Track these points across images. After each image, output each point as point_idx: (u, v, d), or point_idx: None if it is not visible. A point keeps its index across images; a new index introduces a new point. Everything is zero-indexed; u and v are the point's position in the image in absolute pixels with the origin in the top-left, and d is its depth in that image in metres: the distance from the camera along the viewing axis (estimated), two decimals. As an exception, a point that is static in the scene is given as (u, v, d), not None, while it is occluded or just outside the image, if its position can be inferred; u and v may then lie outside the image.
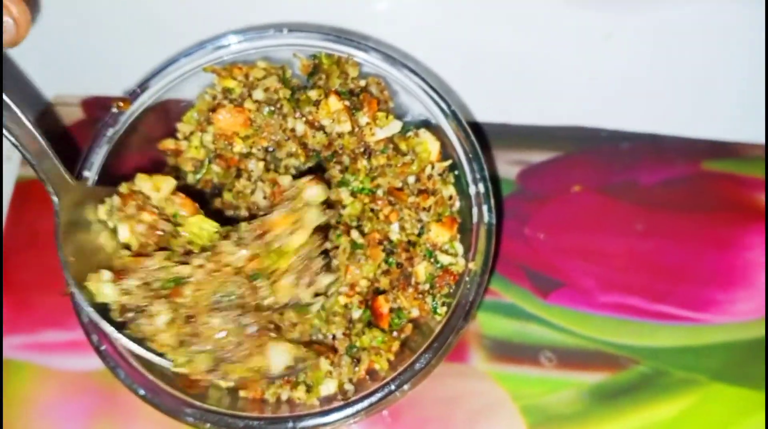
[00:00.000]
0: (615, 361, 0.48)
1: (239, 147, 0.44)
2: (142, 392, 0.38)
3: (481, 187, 0.43)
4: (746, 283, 0.51)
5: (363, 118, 0.44)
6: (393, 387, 0.39)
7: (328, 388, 0.41)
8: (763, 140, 0.54)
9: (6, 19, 0.40)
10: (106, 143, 0.43)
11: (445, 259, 0.44)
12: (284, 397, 0.41)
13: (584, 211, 0.52)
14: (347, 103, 0.44)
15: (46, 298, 0.50)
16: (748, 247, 0.52)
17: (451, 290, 0.43)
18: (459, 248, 0.44)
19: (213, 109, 0.44)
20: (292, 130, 0.44)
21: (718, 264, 0.51)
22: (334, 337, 0.42)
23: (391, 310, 0.43)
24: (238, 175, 0.45)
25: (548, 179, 0.53)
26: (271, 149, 0.45)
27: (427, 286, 0.44)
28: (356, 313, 0.43)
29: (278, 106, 0.44)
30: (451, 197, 0.45)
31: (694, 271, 0.51)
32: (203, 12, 0.53)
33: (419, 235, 0.44)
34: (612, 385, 0.48)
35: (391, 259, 0.44)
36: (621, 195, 0.53)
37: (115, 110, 0.44)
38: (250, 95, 0.44)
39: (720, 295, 0.50)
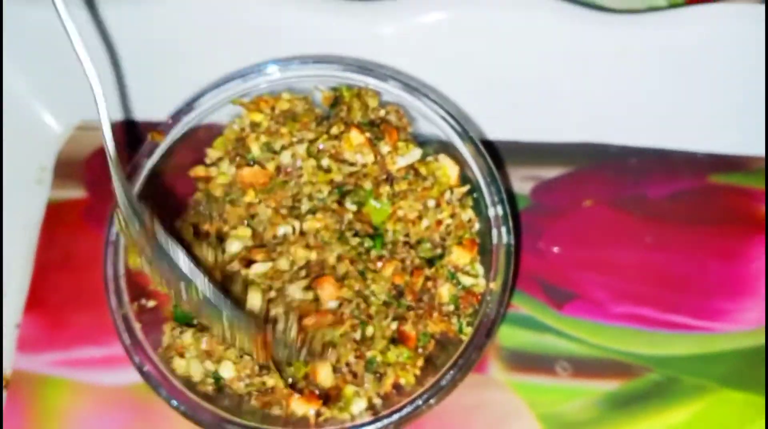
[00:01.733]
0: (628, 370, 0.50)
1: (249, 198, 0.46)
2: (183, 409, 0.40)
3: (500, 210, 0.45)
4: (753, 292, 0.52)
5: (384, 148, 0.46)
6: (421, 402, 0.41)
7: (359, 405, 0.43)
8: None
9: None
10: (143, 173, 0.45)
11: (467, 280, 0.45)
12: (312, 414, 0.43)
13: (596, 224, 0.54)
14: (369, 134, 0.46)
15: (80, 316, 0.51)
16: (754, 257, 0.53)
17: (476, 310, 0.45)
18: (480, 269, 0.46)
19: (237, 162, 0.46)
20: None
21: (726, 274, 0.53)
22: (347, 364, 0.44)
23: (418, 332, 0.45)
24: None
25: (560, 194, 0.55)
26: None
27: (451, 308, 0.45)
28: (369, 331, 0.44)
29: (299, 174, 0.46)
30: (470, 220, 0.47)
31: (703, 281, 0.53)
32: (225, 43, 0.55)
33: (441, 257, 0.46)
34: (625, 392, 0.50)
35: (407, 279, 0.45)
36: (630, 208, 0.55)
37: (149, 140, 0.45)
38: (276, 153, 0.46)
39: (728, 304, 0.52)
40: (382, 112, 0.47)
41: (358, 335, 0.44)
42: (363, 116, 0.47)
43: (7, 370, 0.50)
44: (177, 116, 0.46)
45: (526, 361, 0.50)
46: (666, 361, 0.50)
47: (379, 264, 0.45)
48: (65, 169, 0.56)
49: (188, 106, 0.46)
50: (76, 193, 0.55)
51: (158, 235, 0.39)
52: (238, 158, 0.47)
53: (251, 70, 0.47)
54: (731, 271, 0.53)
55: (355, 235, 0.45)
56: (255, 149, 0.46)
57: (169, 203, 0.48)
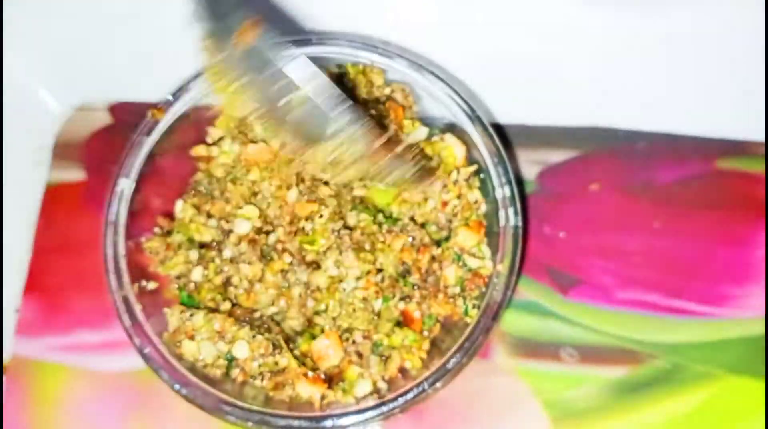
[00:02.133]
0: (634, 356, 0.50)
1: (254, 176, 0.46)
2: (184, 392, 0.40)
3: (507, 191, 0.44)
4: (761, 278, 0.52)
5: (390, 126, 0.45)
6: (426, 386, 0.40)
7: (363, 388, 0.42)
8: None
9: None
10: (143, 151, 0.44)
11: (473, 262, 0.45)
12: (317, 397, 0.43)
13: (602, 209, 0.54)
14: (373, 112, 0.45)
15: (79, 299, 0.51)
16: (762, 243, 0.53)
17: (482, 291, 0.44)
18: (486, 251, 0.46)
19: (243, 142, 0.46)
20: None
21: (734, 260, 0.52)
22: (354, 342, 0.44)
23: (422, 314, 0.44)
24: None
25: (567, 179, 0.54)
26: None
27: (457, 290, 0.45)
28: (377, 305, 0.44)
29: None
30: (476, 201, 0.47)
31: (710, 267, 0.52)
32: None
33: (447, 239, 0.46)
34: (631, 379, 0.49)
35: (415, 257, 0.45)
36: (638, 193, 0.54)
37: (149, 118, 0.45)
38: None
39: (736, 290, 0.52)
40: (387, 90, 0.47)
41: (378, 305, 0.43)
42: (368, 94, 0.46)
43: (6, 355, 0.50)
44: (177, 94, 0.45)
45: (532, 347, 0.50)
46: (672, 348, 0.50)
47: (389, 237, 0.44)
48: (64, 150, 0.55)
49: (189, 85, 0.45)
50: (75, 174, 0.55)
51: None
52: (240, 137, 0.46)
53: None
54: (738, 257, 0.52)
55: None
56: (258, 128, 0.46)
57: (169, 183, 0.47)
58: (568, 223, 0.53)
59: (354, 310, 0.43)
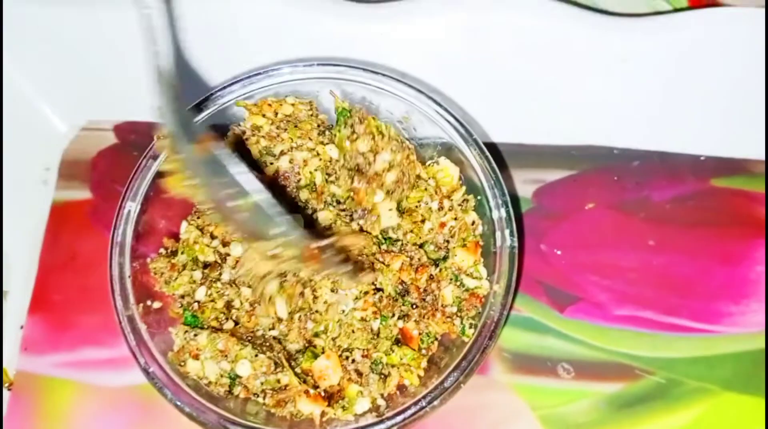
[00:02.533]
0: (630, 372, 0.50)
1: None
2: (188, 410, 0.41)
3: (503, 213, 0.45)
4: (756, 295, 0.53)
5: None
6: (424, 403, 0.41)
7: (362, 405, 0.43)
8: (768, 156, 0.56)
9: None
10: (148, 174, 0.45)
11: (470, 282, 0.46)
12: (318, 414, 0.43)
13: (598, 227, 0.55)
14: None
15: (85, 317, 0.52)
16: (757, 260, 0.54)
17: (479, 312, 0.45)
18: (483, 271, 0.47)
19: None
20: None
21: (728, 277, 0.53)
22: (353, 361, 0.44)
23: (420, 332, 0.45)
24: None
25: (563, 197, 0.55)
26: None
27: (455, 309, 0.46)
28: (375, 325, 0.45)
29: (297, 179, 0.47)
30: (474, 222, 0.48)
31: (705, 284, 0.53)
32: (231, 44, 0.55)
33: (444, 259, 0.46)
34: (627, 394, 0.50)
35: (413, 276, 0.46)
36: (633, 211, 0.55)
37: (156, 143, 0.46)
38: (275, 157, 0.47)
39: (731, 307, 0.52)
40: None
41: (376, 325, 0.44)
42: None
43: (11, 372, 0.50)
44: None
45: (529, 363, 0.51)
46: (668, 364, 0.51)
47: (387, 258, 0.45)
48: (70, 169, 0.56)
49: (195, 108, 0.46)
50: (81, 193, 0.56)
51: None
52: None
53: (258, 72, 0.48)
54: (733, 274, 0.53)
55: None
56: (254, 152, 0.47)
57: (174, 205, 0.48)
58: (564, 240, 0.54)
59: (353, 330, 0.44)
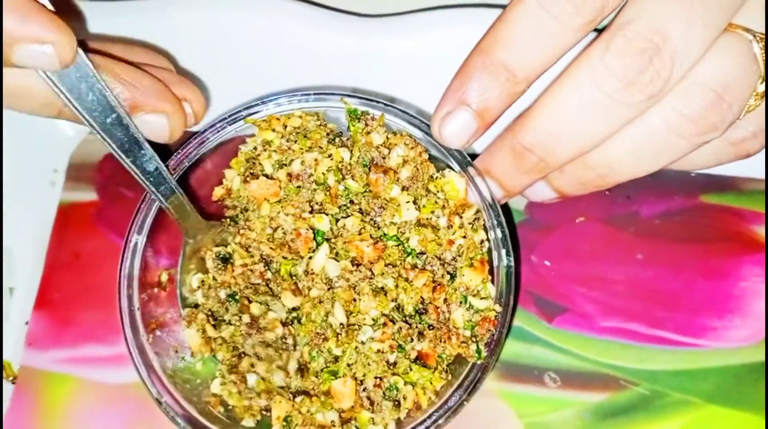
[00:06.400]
0: (615, 383, 0.51)
1: (266, 211, 0.47)
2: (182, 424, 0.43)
3: (499, 233, 0.46)
4: (741, 311, 0.54)
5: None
6: (429, 423, 0.43)
7: None
8: (759, 174, 0.57)
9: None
10: (153, 207, 0.47)
11: (479, 303, 0.46)
12: None
13: (588, 240, 0.56)
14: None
15: (86, 314, 0.53)
16: (743, 276, 0.55)
17: (494, 336, 0.45)
18: (491, 290, 0.46)
19: (246, 178, 0.47)
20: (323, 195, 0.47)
21: (715, 292, 0.54)
22: (365, 389, 0.44)
23: (437, 353, 0.46)
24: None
25: (554, 210, 0.56)
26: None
27: (468, 333, 0.46)
28: (392, 357, 0.45)
29: (310, 180, 0.47)
30: (482, 241, 0.47)
31: (691, 298, 0.54)
32: (236, 60, 0.57)
33: (452, 278, 0.46)
34: (612, 405, 0.51)
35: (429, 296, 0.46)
36: (622, 226, 0.56)
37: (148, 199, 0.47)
38: (287, 164, 0.47)
39: (716, 321, 0.53)
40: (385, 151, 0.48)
41: (392, 357, 0.45)
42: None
43: (15, 366, 0.52)
44: (177, 164, 0.48)
45: (516, 372, 0.52)
46: (652, 376, 0.52)
47: (412, 274, 0.45)
48: (77, 171, 0.58)
49: (195, 139, 0.48)
50: (87, 195, 0.57)
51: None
52: (250, 176, 0.48)
53: (257, 103, 0.49)
54: (719, 290, 0.54)
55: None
56: (267, 167, 0.47)
57: (178, 236, 0.50)
58: (554, 252, 0.55)
59: (369, 363, 0.44)
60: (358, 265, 0.45)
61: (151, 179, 0.43)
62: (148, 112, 0.42)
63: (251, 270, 0.47)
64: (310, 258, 0.45)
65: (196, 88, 0.46)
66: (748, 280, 0.54)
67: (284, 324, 0.46)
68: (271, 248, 0.46)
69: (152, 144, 0.43)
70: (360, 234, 0.45)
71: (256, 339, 0.46)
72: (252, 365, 0.46)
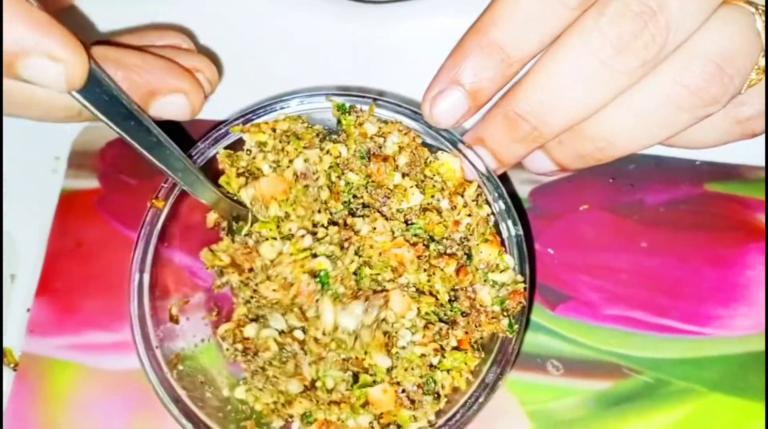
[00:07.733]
0: (618, 371, 0.51)
1: (274, 211, 0.46)
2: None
3: (502, 205, 0.46)
4: (746, 299, 0.53)
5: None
6: (471, 403, 0.43)
7: (417, 426, 0.44)
8: (764, 163, 0.57)
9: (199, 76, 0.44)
10: (152, 241, 0.46)
11: (501, 277, 0.45)
12: None
13: (592, 228, 0.56)
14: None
15: (88, 301, 0.53)
16: (748, 265, 0.54)
17: (525, 306, 0.45)
18: (509, 260, 0.46)
19: (253, 174, 0.47)
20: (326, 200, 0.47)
21: (719, 281, 0.54)
22: (404, 391, 0.44)
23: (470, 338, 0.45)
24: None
25: (558, 198, 0.56)
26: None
27: (497, 309, 0.45)
28: (435, 360, 0.44)
29: (315, 177, 0.46)
30: (488, 214, 0.47)
31: (695, 286, 0.54)
32: (232, 46, 0.57)
33: (469, 258, 0.46)
34: (615, 393, 0.51)
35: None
36: (627, 213, 0.56)
37: (151, 208, 0.47)
38: (290, 163, 0.47)
39: (720, 310, 0.53)
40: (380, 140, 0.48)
41: (435, 360, 0.44)
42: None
43: (17, 353, 0.52)
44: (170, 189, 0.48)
45: (519, 359, 0.51)
46: (656, 364, 0.51)
47: (442, 262, 0.45)
48: (79, 159, 0.58)
49: (191, 157, 0.47)
50: (89, 183, 0.57)
51: None
52: (251, 177, 0.47)
53: (248, 111, 0.48)
54: (724, 278, 0.54)
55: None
56: (266, 168, 0.47)
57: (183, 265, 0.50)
58: (558, 240, 0.55)
59: (412, 368, 0.43)
60: (368, 298, 0.43)
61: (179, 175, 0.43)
62: (165, 95, 0.42)
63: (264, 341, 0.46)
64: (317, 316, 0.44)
65: (202, 56, 0.45)
66: (753, 269, 0.54)
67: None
68: (274, 302, 0.45)
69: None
70: (391, 237, 0.45)
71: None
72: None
